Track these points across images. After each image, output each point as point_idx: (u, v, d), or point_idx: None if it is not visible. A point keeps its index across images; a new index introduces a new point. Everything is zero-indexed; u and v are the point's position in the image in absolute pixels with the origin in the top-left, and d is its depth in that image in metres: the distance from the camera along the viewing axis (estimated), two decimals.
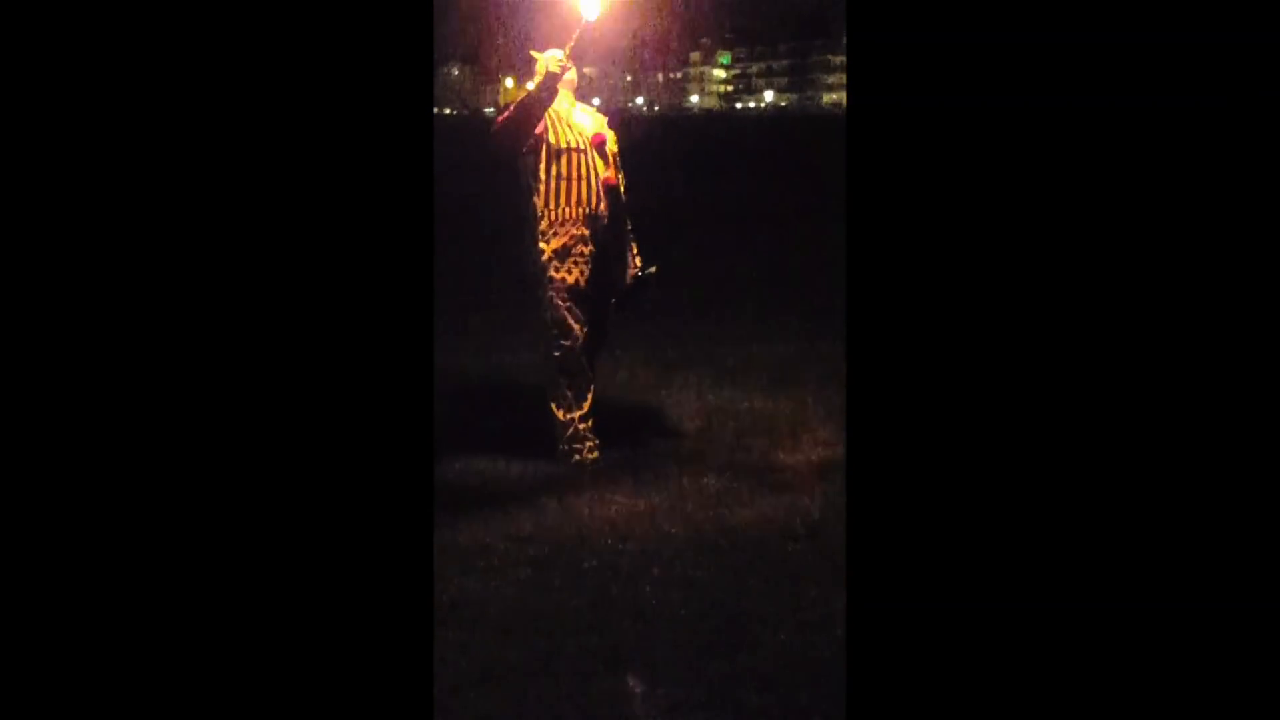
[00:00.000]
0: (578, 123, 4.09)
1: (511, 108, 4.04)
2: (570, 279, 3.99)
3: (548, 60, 3.98)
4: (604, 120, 4.21)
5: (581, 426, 4.05)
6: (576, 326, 4.01)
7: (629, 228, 4.22)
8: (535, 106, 3.96)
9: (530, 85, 4.06)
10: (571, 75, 4.05)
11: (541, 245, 4.00)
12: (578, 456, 4.02)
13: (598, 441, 4.07)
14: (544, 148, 4.00)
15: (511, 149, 4.03)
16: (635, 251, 4.22)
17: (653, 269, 4.21)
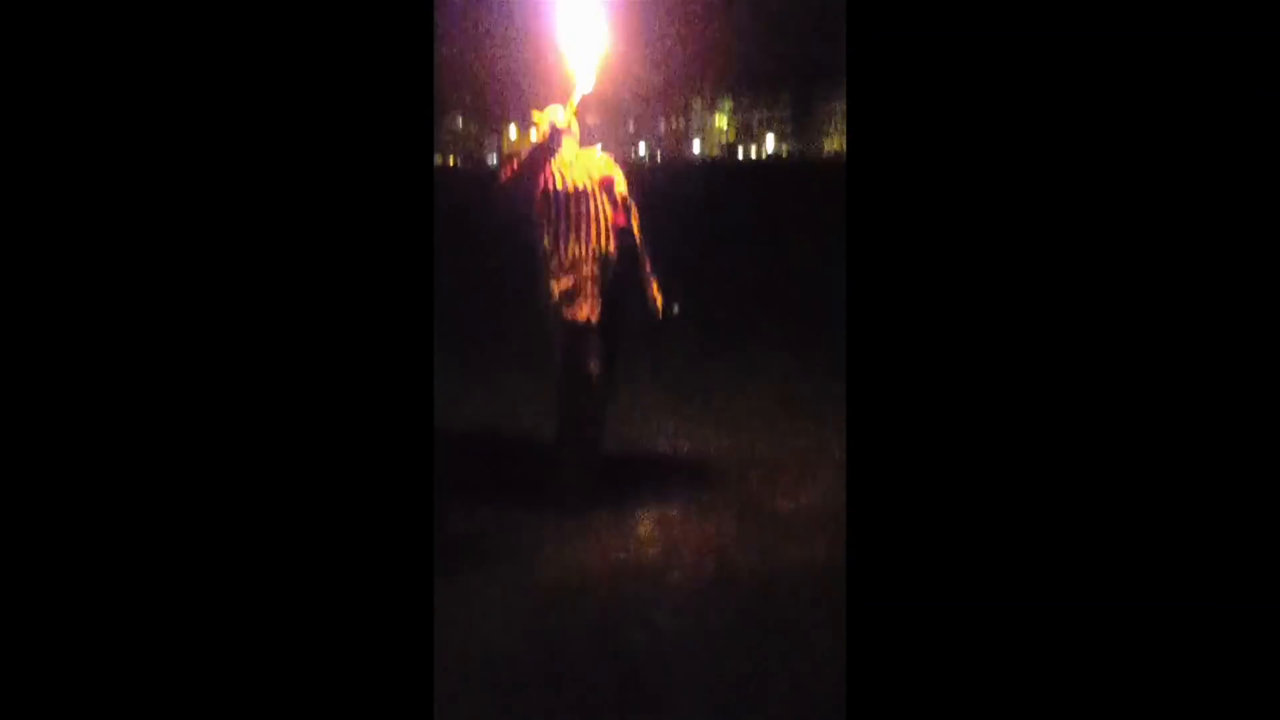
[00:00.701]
0: (584, 165, 4.13)
1: (516, 163, 4.08)
2: (581, 318, 4.01)
3: (550, 114, 4.03)
4: (611, 161, 4.24)
5: (586, 471, 4.04)
6: (588, 367, 4.02)
7: (648, 268, 4.22)
8: (539, 162, 4.00)
9: (533, 136, 4.10)
10: (575, 129, 4.09)
11: (552, 285, 4.02)
12: (582, 500, 4.01)
13: (603, 485, 4.06)
14: (552, 191, 4.04)
15: (517, 202, 4.06)
16: (657, 290, 4.22)
17: (675, 308, 4.20)
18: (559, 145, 4.03)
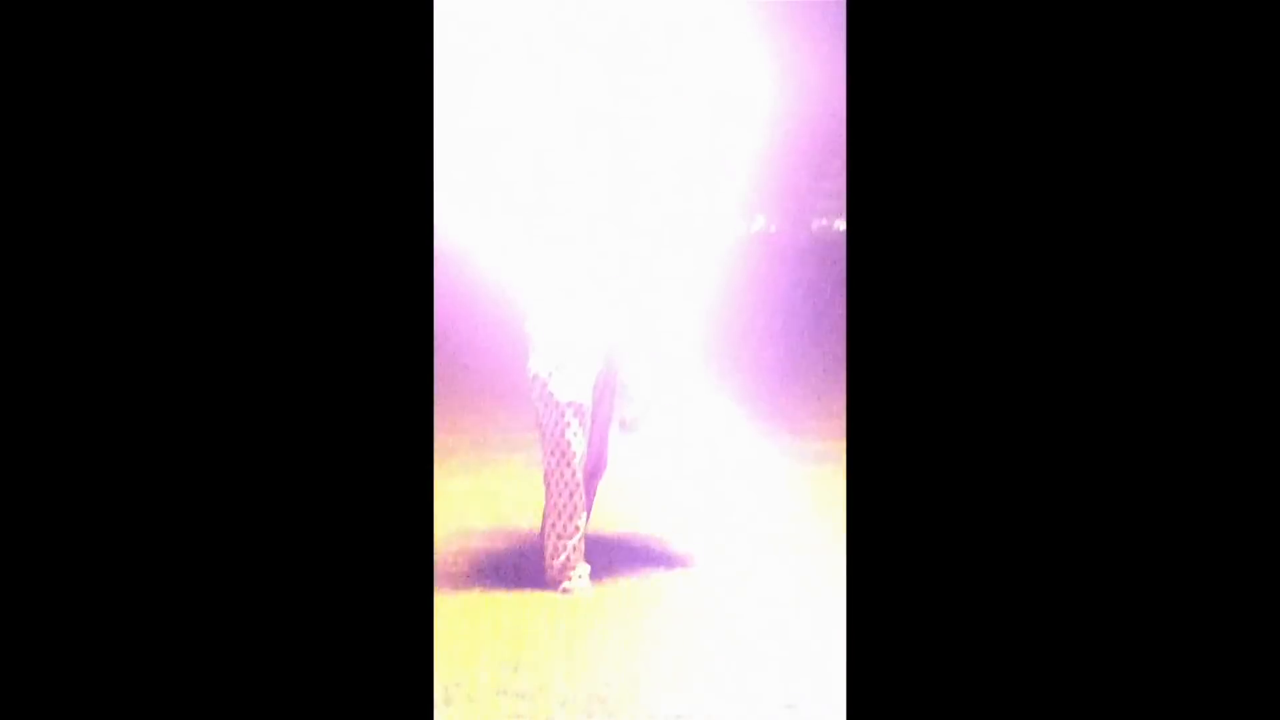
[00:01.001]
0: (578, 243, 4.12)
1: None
2: (570, 396, 3.95)
3: None
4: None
5: (573, 554, 3.97)
6: (575, 445, 3.95)
7: (641, 347, 4.16)
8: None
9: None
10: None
11: (541, 362, 3.97)
12: (568, 584, 3.94)
13: (589, 568, 4.00)
14: (544, 269, 4.03)
15: (508, 281, 4.07)
16: (648, 367, 4.15)
17: (667, 389, 4.15)
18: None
